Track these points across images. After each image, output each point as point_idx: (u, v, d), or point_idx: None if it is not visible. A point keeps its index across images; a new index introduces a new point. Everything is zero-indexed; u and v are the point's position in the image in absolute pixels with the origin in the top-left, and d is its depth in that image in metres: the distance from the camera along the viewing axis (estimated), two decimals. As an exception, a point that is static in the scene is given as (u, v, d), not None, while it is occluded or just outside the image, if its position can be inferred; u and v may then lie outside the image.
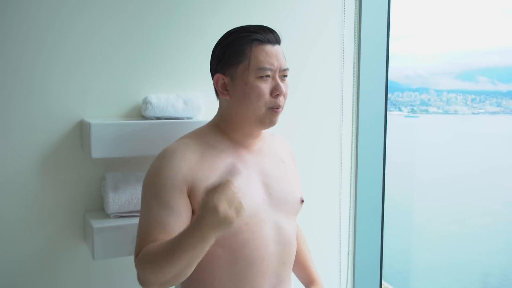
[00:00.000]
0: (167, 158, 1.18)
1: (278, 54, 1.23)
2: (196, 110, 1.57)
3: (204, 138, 1.26)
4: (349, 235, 1.97)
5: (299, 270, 1.48)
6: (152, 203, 1.15)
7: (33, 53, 1.46)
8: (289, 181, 1.33)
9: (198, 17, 1.66)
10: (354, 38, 1.92)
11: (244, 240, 1.20)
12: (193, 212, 1.20)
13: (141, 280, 1.12)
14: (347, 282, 1.97)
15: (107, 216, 1.51)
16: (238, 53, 1.21)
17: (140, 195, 1.49)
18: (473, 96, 6.28)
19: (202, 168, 1.20)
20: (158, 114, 1.53)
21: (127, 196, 1.50)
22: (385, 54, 1.94)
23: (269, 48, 1.22)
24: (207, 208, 0.99)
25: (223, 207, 0.98)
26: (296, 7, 1.83)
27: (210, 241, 1.03)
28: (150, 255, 1.08)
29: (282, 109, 1.25)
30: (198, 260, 1.06)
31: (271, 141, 1.38)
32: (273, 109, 1.23)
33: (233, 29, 1.26)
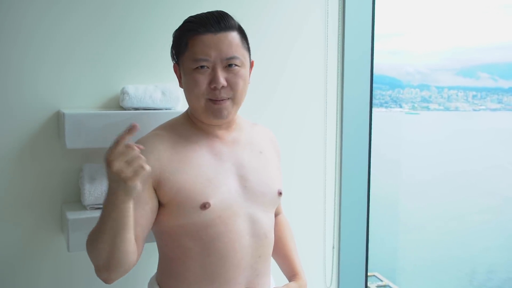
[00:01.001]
0: None
1: (220, 43, 1.18)
2: (175, 101, 1.55)
3: (177, 129, 1.25)
4: (334, 229, 1.94)
5: (282, 262, 1.46)
6: None
7: (6, 44, 1.44)
8: (266, 173, 1.30)
9: (179, 7, 1.64)
10: (338, 30, 1.89)
11: (216, 233, 1.18)
12: (163, 205, 1.19)
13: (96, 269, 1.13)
14: (332, 276, 1.95)
15: (83, 208, 1.50)
16: (180, 43, 1.22)
17: (117, 187, 1.48)
18: (474, 93, 6.25)
19: (173, 160, 1.18)
20: (136, 105, 1.51)
21: (104, 188, 1.48)
22: (370, 47, 1.91)
23: (209, 37, 1.18)
24: (105, 167, 0.99)
25: (117, 164, 0.97)
26: (278, 2, 1.80)
27: (122, 207, 1.02)
28: (89, 237, 1.11)
29: (231, 102, 1.21)
30: (122, 234, 1.05)
31: (251, 130, 1.35)
32: (213, 101, 1.20)
33: (186, 18, 1.25)
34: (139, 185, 1.00)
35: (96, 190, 1.47)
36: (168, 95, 1.54)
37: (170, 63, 1.62)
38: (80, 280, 1.57)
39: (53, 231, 1.54)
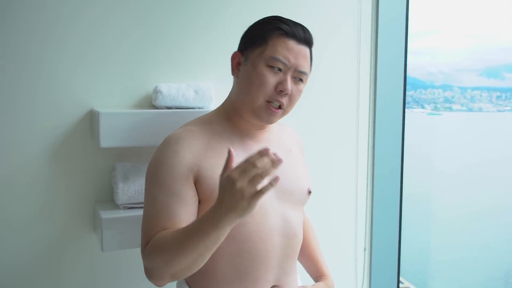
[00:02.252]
0: (171, 146, 1.15)
1: (300, 54, 1.18)
2: (207, 100, 1.54)
3: (210, 125, 1.23)
4: (365, 231, 1.91)
5: (307, 264, 1.44)
6: (157, 193, 1.12)
7: (41, 43, 1.44)
8: (296, 172, 1.29)
9: (211, 6, 1.63)
10: (371, 34, 1.86)
11: (248, 232, 1.16)
12: (199, 202, 1.17)
13: (149, 272, 1.08)
14: (363, 279, 1.92)
15: (116, 207, 1.49)
16: (259, 37, 1.18)
17: (150, 186, 1.47)
18: (499, 93, 6.13)
19: (208, 156, 1.16)
20: (169, 104, 1.50)
21: (137, 187, 1.47)
22: (404, 49, 1.88)
23: (292, 44, 1.17)
24: (224, 186, 0.94)
25: (241, 184, 0.91)
26: (311, 2, 1.78)
27: (226, 229, 0.97)
28: (163, 243, 1.04)
29: (283, 111, 1.20)
30: (212, 250, 1.01)
31: (279, 131, 1.35)
32: (271, 105, 1.18)
33: (272, 16, 1.24)
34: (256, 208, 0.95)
35: (129, 189, 1.46)
36: (201, 94, 1.53)
37: (201, 61, 1.62)
38: (112, 279, 1.57)
39: (86, 230, 1.54)
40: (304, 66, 1.19)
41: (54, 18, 1.44)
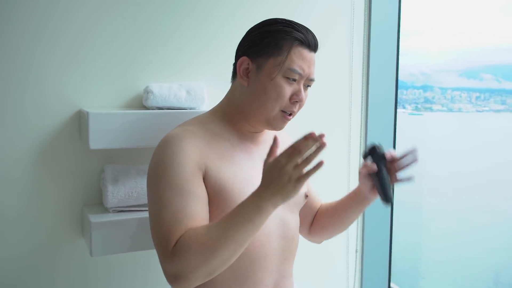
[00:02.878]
0: (175, 145, 1.10)
1: (311, 62, 1.17)
2: (200, 100, 1.51)
3: (208, 125, 1.19)
4: (357, 232, 1.91)
5: (339, 208, 1.38)
6: (169, 194, 1.05)
7: (30, 42, 1.39)
8: None
9: (203, 5, 1.59)
10: (364, 34, 1.85)
11: None
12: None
13: (179, 276, 0.98)
14: (354, 280, 1.91)
15: (106, 210, 1.45)
16: (276, 46, 1.14)
17: (140, 189, 1.43)
18: (478, 94, 6.23)
19: (211, 157, 1.13)
20: (160, 104, 1.46)
21: (127, 190, 1.43)
22: (396, 51, 1.88)
23: (306, 53, 1.16)
24: (270, 170, 0.96)
25: (288, 167, 0.94)
26: (304, 2, 1.76)
27: (268, 213, 0.98)
28: (198, 239, 0.98)
29: (292, 117, 1.20)
30: (251, 239, 1.00)
31: (275, 132, 1.32)
32: (285, 114, 1.17)
33: (278, 18, 1.19)
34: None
35: (119, 192, 1.42)
36: (193, 94, 1.50)
37: (193, 61, 1.59)
38: (102, 286, 1.52)
39: (74, 234, 1.49)
40: (314, 73, 1.19)
41: (42, 16, 1.40)
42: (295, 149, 0.95)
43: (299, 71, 1.14)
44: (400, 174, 1.23)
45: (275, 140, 1.00)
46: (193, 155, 1.09)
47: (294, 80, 1.15)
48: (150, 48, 1.53)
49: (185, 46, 1.57)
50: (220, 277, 1.15)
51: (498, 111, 6.08)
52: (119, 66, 1.50)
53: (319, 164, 0.94)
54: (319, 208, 1.44)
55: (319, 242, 1.48)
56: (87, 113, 1.34)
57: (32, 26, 1.39)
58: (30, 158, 1.42)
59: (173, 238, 1.01)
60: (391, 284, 2.00)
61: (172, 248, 0.99)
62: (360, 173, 1.27)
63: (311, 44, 1.16)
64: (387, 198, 1.21)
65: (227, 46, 1.59)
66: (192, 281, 0.99)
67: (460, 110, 6.17)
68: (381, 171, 1.22)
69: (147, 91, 1.46)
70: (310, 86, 1.20)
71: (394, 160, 1.23)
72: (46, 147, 1.43)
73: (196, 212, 1.05)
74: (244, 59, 1.17)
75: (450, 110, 6.22)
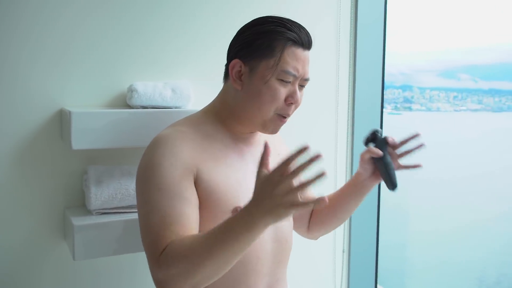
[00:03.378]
0: (165, 146, 1.06)
1: (306, 61, 1.13)
2: (185, 99, 1.47)
3: (200, 126, 1.16)
4: (344, 233, 1.90)
5: (342, 193, 1.34)
6: (158, 197, 1.02)
7: (12, 40, 1.34)
8: None
9: (188, 3, 1.56)
10: (350, 33, 1.84)
11: None
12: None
13: (164, 284, 0.95)
14: (341, 280, 1.90)
15: (89, 212, 1.40)
16: (268, 47, 1.10)
17: (125, 190, 1.39)
18: (455, 94, 6.33)
19: (203, 159, 1.09)
20: (145, 103, 1.42)
21: (111, 191, 1.39)
22: (382, 51, 1.87)
23: (300, 52, 1.12)
24: (262, 187, 0.87)
25: (281, 190, 0.85)
26: (290, 1, 1.75)
27: (258, 232, 0.89)
28: (184, 250, 0.93)
29: (288, 119, 1.17)
30: (238, 258, 0.93)
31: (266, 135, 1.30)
32: (281, 117, 1.14)
33: (269, 17, 1.15)
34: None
35: (103, 194, 1.38)
36: (179, 93, 1.46)
37: (178, 59, 1.55)
38: (84, 290, 1.48)
39: (55, 238, 1.44)
40: (308, 72, 1.15)
41: (20, 12, 1.34)
42: (288, 167, 0.85)
43: (294, 72, 1.11)
44: (404, 160, 1.21)
45: (265, 147, 0.91)
46: (184, 157, 1.06)
47: (289, 81, 1.12)
48: (135, 46, 1.49)
49: (170, 44, 1.54)
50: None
51: (475, 110, 6.19)
52: (103, 64, 1.45)
53: (320, 200, 0.84)
54: None
55: (316, 238, 1.45)
56: (69, 112, 1.29)
57: (19, 25, 1.34)
58: (9, 159, 1.37)
59: (160, 244, 0.97)
60: (378, 286, 2.00)
61: (159, 255, 0.96)
62: (362, 158, 1.24)
63: (305, 42, 1.13)
64: (393, 184, 1.19)
65: (213, 43, 1.56)
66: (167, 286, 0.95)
67: (438, 109, 6.26)
68: (385, 156, 1.20)
69: (131, 90, 1.42)
70: (304, 86, 1.17)
71: (395, 146, 1.21)
72: (26, 148, 1.38)
73: (185, 215, 1.01)
74: (236, 61, 1.13)
75: (429, 109, 6.30)
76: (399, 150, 1.22)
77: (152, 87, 1.44)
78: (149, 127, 1.37)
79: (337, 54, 1.84)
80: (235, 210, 1.03)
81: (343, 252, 1.89)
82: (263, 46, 1.10)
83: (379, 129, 1.23)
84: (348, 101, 1.87)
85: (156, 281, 0.97)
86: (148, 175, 1.05)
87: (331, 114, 1.87)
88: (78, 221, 1.34)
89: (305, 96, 1.76)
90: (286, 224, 1.22)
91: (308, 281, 1.85)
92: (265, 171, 0.89)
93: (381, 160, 1.20)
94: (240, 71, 1.13)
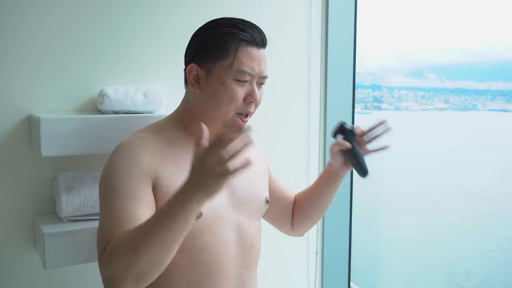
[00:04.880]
0: (125, 152, 1.08)
1: (261, 59, 1.15)
2: (157, 103, 1.46)
3: (163, 132, 1.16)
4: (317, 235, 1.92)
5: (314, 190, 1.38)
6: (113, 198, 1.03)
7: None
8: (253, 180, 1.26)
9: (160, 7, 1.55)
10: (321, 33, 1.87)
11: (204, 244, 1.11)
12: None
13: (110, 281, 0.95)
14: (315, 282, 1.92)
15: (59, 220, 1.38)
16: (222, 49, 1.11)
17: (97, 197, 1.38)
18: (423, 93, 6.46)
19: (163, 164, 1.10)
20: (116, 108, 1.41)
21: (82, 198, 1.37)
22: (353, 50, 1.90)
23: (255, 51, 1.13)
24: (194, 163, 0.90)
25: (211, 161, 0.87)
26: (260, 2, 1.75)
27: (192, 210, 0.90)
28: (123, 241, 0.94)
29: (249, 118, 1.18)
30: (178, 242, 0.93)
31: None
32: (242, 116, 1.15)
33: (221, 19, 1.16)
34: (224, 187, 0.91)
35: (74, 201, 1.36)
36: (151, 98, 1.45)
37: (150, 63, 1.54)
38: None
39: (25, 246, 1.41)
40: (266, 70, 1.17)
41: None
42: (219, 141, 0.88)
43: (249, 71, 1.12)
44: (372, 145, 1.26)
45: (202, 128, 0.93)
46: (143, 163, 1.07)
47: (246, 81, 1.13)
48: (105, 51, 1.47)
49: (142, 49, 1.53)
50: (176, 287, 1.11)
51: (442, 109, 6.33)
52: (72, 69, 1.43)
53: (247, 163, 0.87)
54: (295, 201, 1.43)
55: (302, 235, 1.47)
56: (38, 118, 1.27)
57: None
58: (-25, 167, 1.33)
59: (106, 241, 0.98)
60: (351, 284, 2.03)
61: (104, 251, 0.97)
62: (332, 151, 1.29)
63: (258, 41, 1.14)
64: (364, 171, 1.25)
65: (184, 48, 1.55)
66: (121, 286, 0.94)
67: (407, 108, 6.38)
68: (354, 147, 1.25)
69: (102, 95, 1.40)
70: (263, 83, 1.19)
71: (363, 134, 1.26)
72: (-7, 155, 1.35)
73: (137, 216, 1.01)
74: (192, 66, 1.15)
75: (398, 108, 6.42)
76: (367, 137, 1.26)
77: (123, 92, 1.42)
78: (120, 132, 1.35)
79: (308, 53, 1.86)
80: (197, 216, 1.02)
81: (316, 253, 1.92)
82: (217, 49, 1.12)
83: (345, 121, 1.28)
84: (320, 100, 1.89)
85: (103, 279, 0.97)
86: (107, 180, 1.06)
87: (303, 112, 1.89)
88: (49, 229, 1.31)
89: (278, 95, 1.79)
90: (252, 228, 1.22)
91: (282, 283, 1.87)
92: (199, 150, 0.91)
93: (350, 151, 1.25)
94: (198, 74, 1.14)
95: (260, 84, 1.17)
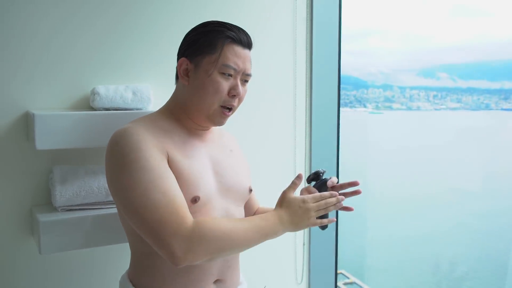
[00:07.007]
0: (134, 134, 1.15)
1: (246, 58, 1.26)
2: (146, 101, 1.56)
3: (157, 122, 1.25)
4: (304, 226, 1.97)
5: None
6: (149, 178, 1.09)
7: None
8: (238, 170, 1.36)
9: (150, 8, 1.64)
10: (306, 30, 1.93)
11: None
12: None
13: (186, 253, 1.06)
14: (302, 273, 1.98)
15: (55, 209, 1.48)
16: (209, 45, 1.22)
17: (89, 187, 1.47)
18: (435, 93, 6.43)
19: (170, 147, 1.19)
20: (107, 105, 1.51)
21: (75, 189, 1.47)
22: (337, 49, 1.96)
23: (239, 49, 1.24)
24: (296, 205, 1.21)
25: (312, 210, 1.21)
26: (246, 4, 1.83)
27: (281, 233, 1.22)
28: (224, 230, 1.11)
29: (232, 113, 1.28)
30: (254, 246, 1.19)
31: (219, 131, 1.41)
32: (224, 109, 1.25)
33: (212, 20, 1.28)
34: None
35: (67, 192, 1.46)
36: (139, 95, 1.54)
37: (140, 63, 1.63)
38: (52, 282, 1.55)
39: (24, 234, 1.52)
40: (249, 68, 1.27)
41: (-15, 19, 1.42)
42: (322, 199, 1.23)
43: (234, 66, 1.22)
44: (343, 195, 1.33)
45: (299, 176, 1.25)
46: (154, 142, 1.16)
47: (230, 75, 1.23)
48: (97, 52, 1.57)
49: (132, 50, 1.62)
50: (165, 267, 1.20)
51: (454, 109, 6.30)
52: (67, 69, 1.53)
53: (331, 220, 1.28)
54: (256, 211, 1.52)
55: None
56: (33, 114, 1.37)
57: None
58: (-23, 160, 1.44)
59: (180, 218, 1.08)
60: (342, 271, 2.07)
61: (190, 228, 1.07)
62: (301, 193, 1.37)
63: (243, 41, 1.25)
64: (323, 227, 1.33)
65: (172, 49, 1.63)
66: (195, 261, 1.08)
67: (418, 108, 6.36)
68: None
69: (93, 93, 1.50)
70: (247, 81, 1.28)
71: (334, 187, 1.34)
72: (-6, 149, 1.45)
73: (178, 190, 1.12)
74: (183, 60, 1.26)
75: (409, 108, 6.40)
76: (337, 189, 1.33)
77: (113, 90, 1.52)
78: (111, 128, 1.43)
79: (293, 53, 1.92)
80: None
81: (304, 245, 1.98)
82: (205, 44, 1.23)
83: (321, 170, 1.35)
84: (306, 99, 1.95)
85: (178, 251, 1.05)
86: (128, 161, 1.11)
87: (289, 112, 1.94)
88: (44, 217, 1.41)
89: (265, 95, 1.85)
90: (237, 213, 1.32)
91: (270, 274, 1.93)
92: (292, 192, 1.24)
93: None
94: (187, 68, 1.25)
95: (244, 81, 1.27)
